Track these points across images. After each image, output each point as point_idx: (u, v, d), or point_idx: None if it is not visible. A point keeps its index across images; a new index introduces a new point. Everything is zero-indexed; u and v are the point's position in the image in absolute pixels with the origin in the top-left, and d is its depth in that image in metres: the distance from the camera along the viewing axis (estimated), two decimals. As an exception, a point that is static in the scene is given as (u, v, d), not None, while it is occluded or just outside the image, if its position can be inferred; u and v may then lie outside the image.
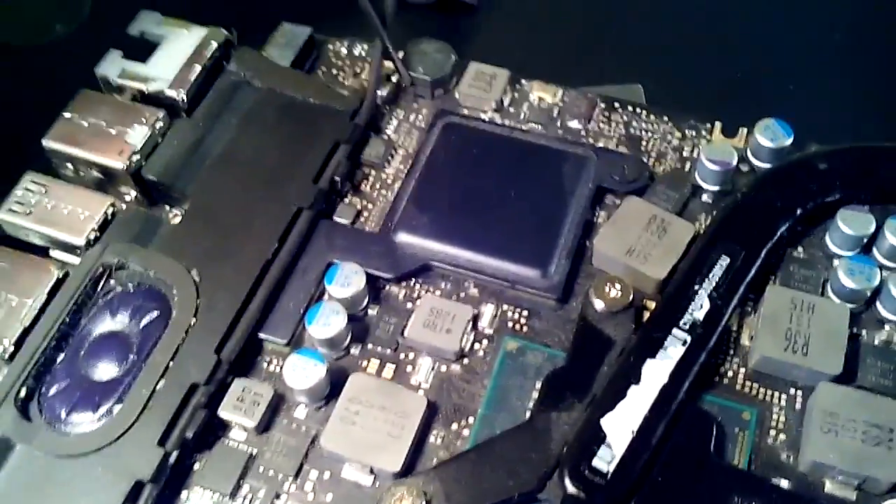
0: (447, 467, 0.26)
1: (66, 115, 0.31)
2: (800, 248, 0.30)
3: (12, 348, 0.27)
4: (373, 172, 0.32)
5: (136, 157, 0.30)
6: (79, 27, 0.42)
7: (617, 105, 0.34)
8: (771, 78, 0.39)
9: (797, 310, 0.27)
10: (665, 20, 0.41)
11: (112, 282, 0.29)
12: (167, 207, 0.31)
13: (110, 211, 0.30)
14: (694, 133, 0.33)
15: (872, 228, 0.29)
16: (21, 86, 0.41)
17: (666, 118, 0.33)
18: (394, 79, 0.34)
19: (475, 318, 0.29)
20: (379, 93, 0.34)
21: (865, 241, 0.29)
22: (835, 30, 0.41)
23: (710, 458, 0.26)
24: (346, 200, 0.32)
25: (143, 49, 0.33)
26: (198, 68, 0.32)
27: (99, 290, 0.28)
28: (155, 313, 0.28)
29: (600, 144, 0.33)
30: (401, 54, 0.34)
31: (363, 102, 0.33)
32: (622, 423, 0.25)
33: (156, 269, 0.29)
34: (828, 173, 0.30)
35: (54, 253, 0.30)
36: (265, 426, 0.27)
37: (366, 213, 0.31)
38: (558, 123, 0.33)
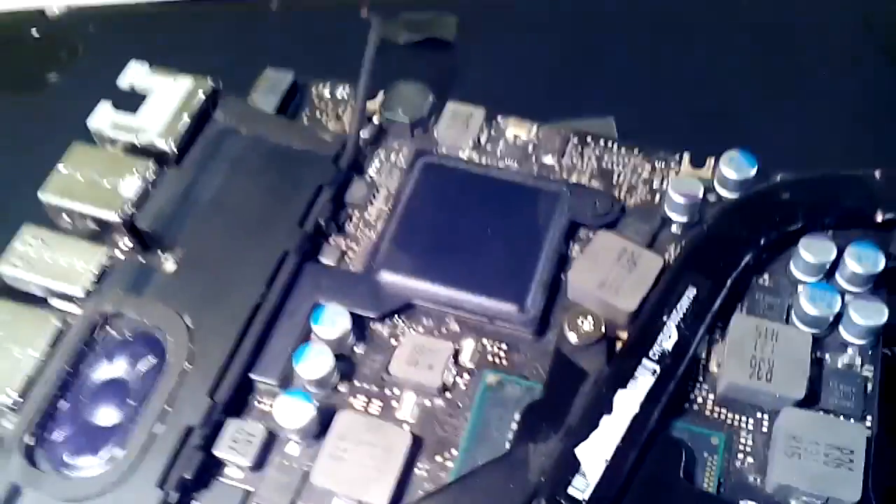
0: (432, 499, 0.27)
1: (61, 168, 0.33)
2: (765, 276, 0.31)
3: (18, 398, 0.28)
4: (356, 213, 0.34)
5: (128, 208, 0.32)
6: (69, 75, 0.44)
7: (589, 139, 0.35)
8: (739, 107, 0.40)
9: (761, 337, 0.29)
10: (637, 54, 0.43)
11: (109, 330, 0.30)
12: (160, 253, 0.32)
13: (106, 261, 0.31)
14: (663, 165, 0.34)
15: (833, 255, 0.30)
16: (14, 133, 0.42)
17: (636, 151, 0.35)
18: (375, 120, 0.36)
19: (456, 354, 0.30)
20: (361, 134, 0.35)
21: (828, 267, 0.31)
22: (800, 58, 0.43)
23: (680, 482, 0.27)
24: (331, 241, 0.33)
25: (132, 98, 0.35)
26: (186, 118, 0.34)
27: (97, 338, 0.30)
28: (151, 359, 0.29)
29: (573, 179, 0.34)
30: (381, 95, 0.36)
31: (346, 145, 0.34)
32: (596, 452, 0.27)
33: (150, 316, 0.30)
34: (790, 203, 0.31)
35: (53, 302, 0.31)
36: (259, 464, 0.28)
37: (350, 254, 0.33)
38: (533, 159, 0.35)
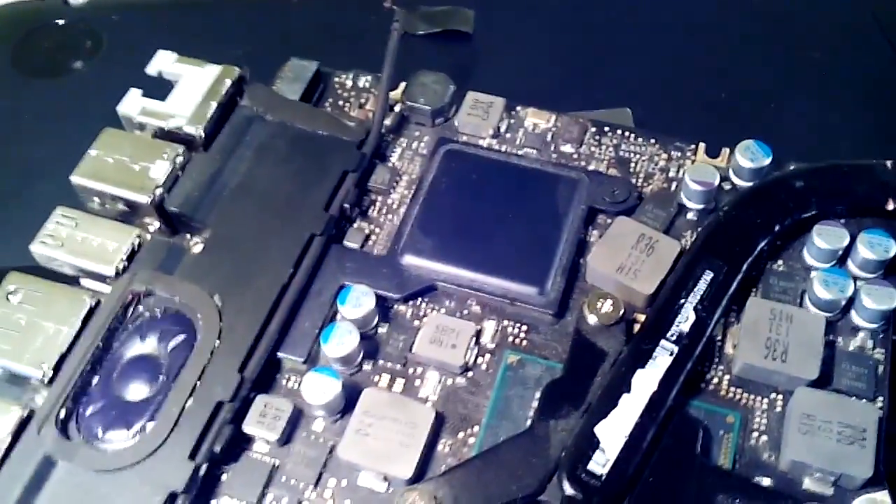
0: (455, 473, 0.28)
1: (92, 152, 0.33)
2: (779, 262, 0.32)
3: (51, 372, 0.29)
4: (379, 198, 0.35)
5: (158, 191, 0.32)
6: (93, 64, 0.45)
7: (607, 129, 0.36)
8: (752, 99, 0.41)
9: (776, 320, 0.30)
10: (653, 46, 0.44)
11: (140, 308, 0.31)
12: (188, 236, 0.33)
13: (136, 242, 0.32)
14: (679, 154, 0.35)
15: (846, 242, 0.31)
16: (40, 120, 0.43)
17: (653, 140, 0.36)
18: (396, 108, 0.37)
19: (478, 334, 0.31)
20: (384, 122, 0.36)
21: (840, 253, 0.31)
22: (812, 50, 0.43)
23: (697, 459, 0.28)
24: (355, 225, 0.34)
25: (157, 87, 0.36)
26: (213, 105, 0.34)
27: (129, 316, 0.31)
28: (181, 337, 0.30)
29: (592, 167, 0.35)
30: (403, 85, 0.37)
31: (369, 132, 0.35)
32: (615, 430, 0.28)
33: (181, 295, 0.31)
34: (804, 191, 0.32)
35: (85, 282, 0.32)
36: (286, 439, 0.29)
37: (374, 237, 0.34)
38: (552, 148, 0.36)
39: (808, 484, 0.28)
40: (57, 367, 0.29)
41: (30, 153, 0.41)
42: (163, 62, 0.36)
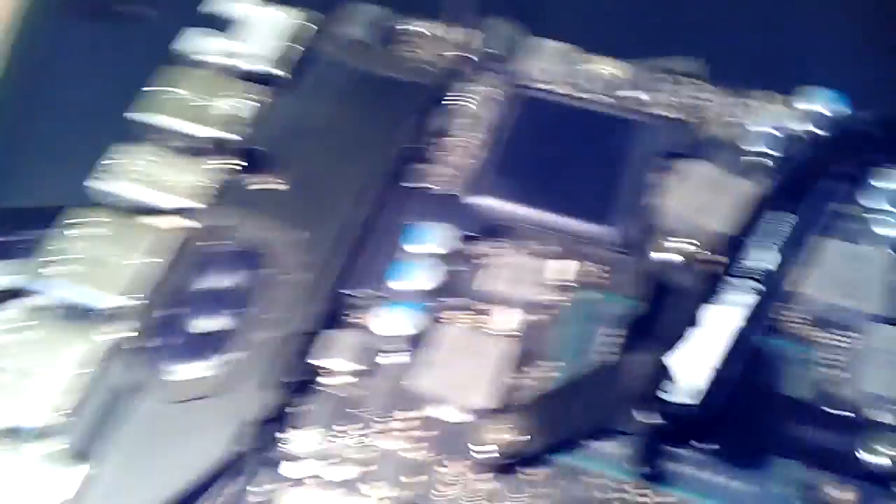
0: (535, 405, 0.28)
1: (170, 89, 0.34)
2: (850, 204, 0.32)
3: (135, 304, 0.30)
4: (449, 140, 0.35)
5: (240, 128, 0.33)
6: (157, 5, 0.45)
7: (680, 77, 0.36)
8: (829, 49, 0.40)
9: (848, 259, 0.30)
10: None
11: (219, 242, 0.31)
12: (265, 174, 0.33)
13: (217, 177, 0.33)
14: (753, 101, 0.35)
15: (915, 184, 0.32)
16: (104, 60, 0.43)
17: (726, 88, 0.36)
18: (467, 54, 0.37)
19: (554, 271, 0.31)
20: (453, 67, 0.36)
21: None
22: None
23: (772, 392, 0.28)
24: (427, 166, 0.34)
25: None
26: (290, 47, 0.35)
27: (207, 250, 0.31)
28: (258, 270, 0.31)
29: (663, 113, 0.35)
30: (473, 31, 0.37)
31: (439, 76, 0.35)
32: (687, 364, 0.28)
33: (259, 230, 0.31)
34: (876, 137, 0.33)
35: (166, 218, 0.33)
36: (359, 372, 0.29)
37: (445, 178, 0.34)
38: (623, 94, 0.36)
39: (883, 415, 0.28)
40: (140, 299, 0.30)
41: (83, 95, 0.41)
42: (238, 4, 0.36)
